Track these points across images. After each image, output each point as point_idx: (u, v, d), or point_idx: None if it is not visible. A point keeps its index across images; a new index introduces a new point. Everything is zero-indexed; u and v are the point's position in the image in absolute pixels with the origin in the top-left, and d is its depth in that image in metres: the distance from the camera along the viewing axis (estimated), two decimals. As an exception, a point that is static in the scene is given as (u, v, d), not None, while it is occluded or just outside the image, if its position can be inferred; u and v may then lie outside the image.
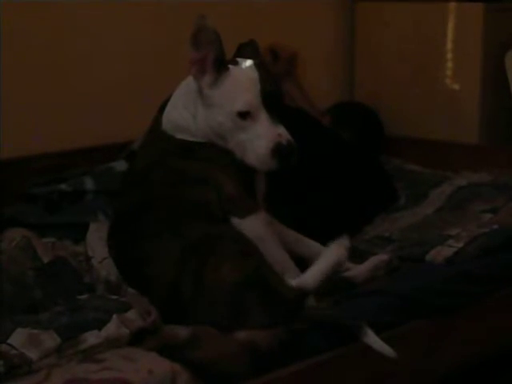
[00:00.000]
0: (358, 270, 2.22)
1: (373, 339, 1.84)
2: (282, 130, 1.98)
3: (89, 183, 2.62)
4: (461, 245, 2.33)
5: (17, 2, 2.69)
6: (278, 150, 1.95)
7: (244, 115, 1.96)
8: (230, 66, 2.00)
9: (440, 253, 2.31)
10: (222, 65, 1.99)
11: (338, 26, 3.58)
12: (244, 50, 2.09)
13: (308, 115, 2.87)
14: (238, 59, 2.04)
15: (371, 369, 1.94)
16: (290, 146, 1.96)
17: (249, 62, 2.03)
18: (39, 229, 2.29)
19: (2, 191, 2.56)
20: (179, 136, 2.05)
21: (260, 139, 1.96)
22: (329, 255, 1.97)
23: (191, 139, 2.04)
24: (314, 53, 3.41)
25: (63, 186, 2.59)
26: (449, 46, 3.30)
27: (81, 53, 2.89)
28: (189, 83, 2.06)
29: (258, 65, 2.03)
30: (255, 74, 2.00)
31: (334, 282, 2.16)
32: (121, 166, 2.68)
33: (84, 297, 1.91)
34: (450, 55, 3.30)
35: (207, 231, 1.92)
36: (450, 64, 3.31)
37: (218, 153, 2.03)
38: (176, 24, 3.05)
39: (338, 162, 2.74)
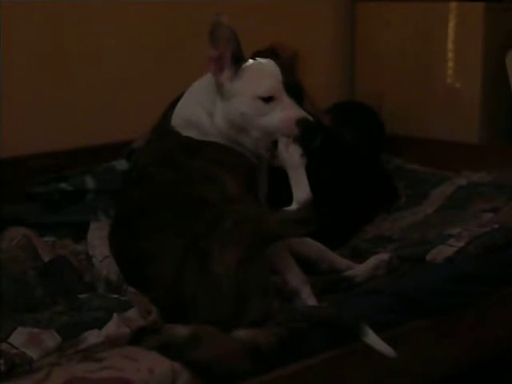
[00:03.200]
0: (358, 270, 2.22)
1: (373, 339, 1.84)
2: (305, 113, 2.00)
3: (89, 182, 2.62)
4: (461, 244, 2.33)
5: (17, 2, 2.69)
6: (302, 120, 1.97)
7: (267, 99, 1.98)
8: (250, 60, 2.03)
9: (441, 252, 2.31)
10: (240, 59, 2.01)
11: (338, 26, 3.58)
12: (259, 55, 2.11)
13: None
14: (257, 58, 2.07)
15: (371, 369, 1.94)
16: (316, 125, 1.99)
17: (267, 60, 2.06)
18: (40, 228, 2.29)
19: (2, 190, 2.56)
20: (186, 133, 2.05)
21: (285, 110, 1.98)
22: (290, 165, 1.99)
23: (199, 137, 2.04)
24: (315, 52, 3.41)
25: (64, 185, 2.60)
26: (449, 45, 3.29)
27: (81, 53, 2.89)
28: (204, 81, 2.07)
29: (278, 62, 2.06)
30: (275, 66, 2.03)
31: (335, 282, 2.17)
32: (121, 165, 2.68)
33: (84, 296, 1.91)
34: (450, 55, 3.30)
35: (203, 225, 1.92)
36: (450, 63, 3.31)
37: (221, 153, 2.03)
38: (177, 24, 3.06)
39: (339, 161, 2.74)
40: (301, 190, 1.98)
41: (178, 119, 2.07)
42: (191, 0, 2.99)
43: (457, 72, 3.30)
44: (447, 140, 3.28)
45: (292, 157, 1.99)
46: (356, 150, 2.90)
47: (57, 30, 2.83)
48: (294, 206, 1.98)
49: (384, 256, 2.27)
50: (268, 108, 1.98)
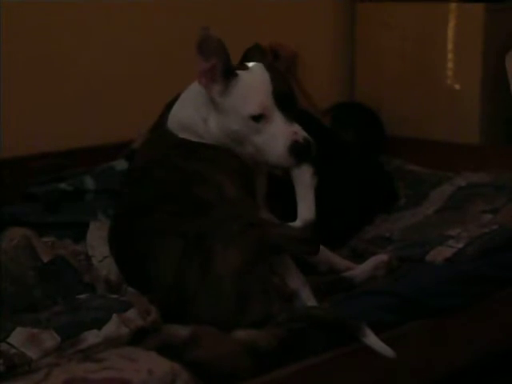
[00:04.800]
0: (358, 270, 2.22)
1: (372, 339, 1.84)
2: (297, 127, 1.98)
3: (89, 182, 2.62)
4: (461, 245, 2.33)
5: (17, 2, 2.69)
6: (295, 148, 1.96)
7: (258, 118, 1.97)
8: (239, 72, 2.00)
9: (440, 253, 2.31)
10: (230, 72, 1.99)
11: (338, 26, 3.58)
12: (251, 54, 2.10)
13: (308, 115, 2.87)
14: (247, 64, 2.04)
15: (371, 369, 1.93)
16: (307, 143, 1.97)
17: (258, 65, 2.03)
18: (39, 228, 2.29)
19: (2, 191, 2.56)
20: (182, 135, 2.05)
21: (276, 139, 1.97)
22: (299, 183, 2.00)
23: (195, 139, 2.04)
24: (314, 53, 3.41)
25: (63, 186, 2.59)
26: (449, 46, 3.30)
27: (81, 53, 2.89)
28: (199, 86, 2.05)
29: (268, 66, 2.03)
30: (265, 76, 2.00)
31: (334, 282, 2.17)
32: (121, 165, 2.68)
33: (84, 296, 1.90)
34: (450, 55, 3.30)
35: (207, 225, 1.92)
36: (450, 64, 3.31)
37: (218, 154, 2.03)
38: (176, 24, 3.06)
39: (339, 162, 2.74)
40: (307, 210, 1.99)
41: (173, 122, 2.07)
42: (191, 1, 2.99)
43: (456, 73, 3.30)
44: (447, 141, 3.28)
45: (303, 175, 1.99)
46: (356, 151, 2.90)
47: (57, 30, 2.83)
48: (297, 224, 1.98)
49: (383, 256, 2.27)
50: (259, 126, 1.97)
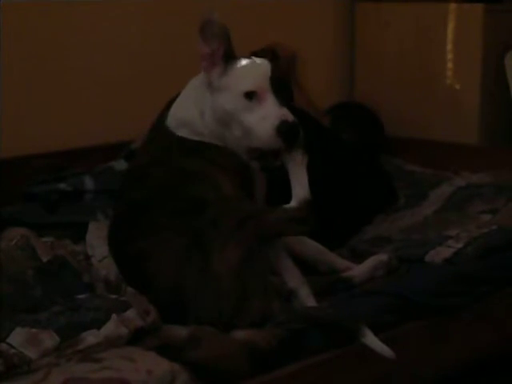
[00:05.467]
0: (357, 270, 2.22)
1: (371, 340, 1.84)
2: (286, 111, 1.98)
3: (88, 183, 2.62)
4: (460, 245, 2.33)
5: (17, 2, 2.69)
6: (283, 128, 1.95)
7: (250, 95, 1.97)
8: (240, 57, 2.03)
9: (439, 253, 2.31)
10: (231, 56, 2.01)
11: (338, 26, 3.58)
12: (257, 55, 2.11)
13: (308, 115, 2.87)
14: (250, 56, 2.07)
15: (370, 369, 1.93)
16: (295, 125, 1.97)
17: (262, 59, 2.06)
18: (38, 228, 2.29)
19: (2, 191, 2.56)
20: (180, 133, 2.05)
21: (265, 119, 1.97)
22: (291, 163, 2.00)
23: (192, 137, 2.04)
24: (314, 53, 3.41)
25: (63, 186, 2.59)
26: (449, 46, 3.29)
27: (81, 53, 2.89)
28: (197, 80, 2.07)
29: (270, 61, 2.06)
30: (266, 63, 2.03)
31: (334, 282, 2.17)
32: (120, 165, 2.68)
33: (83, 296, 1.90)
34: (449, 56, 3.30)
35: (204, 223, 1.92)
36: (449, 64, 3.31)
37: (216, 153, 2.03)
38: (176, 24, 3.05)
39: (338, 162, 2.74)
40: (301, 189, 1.99)
41: (172, 119, 2.08)
42: (192, 2, 2.98)
43: (456, 73, 3.30)
44: (446, 141, 3.28)
45: (294, 156, 1.99)
46: (355, 151, 2.90)
47: (56, 30, 2.83)
48: (292, 204, 1.98)
49: (383, 257, 2.27)
50: (250, 104, 1.98)
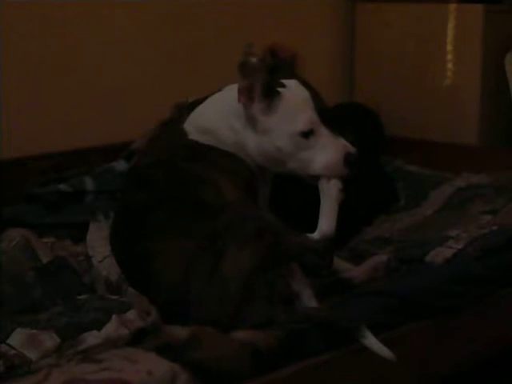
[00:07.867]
0: (357, 271, 2.22)
1: (371, 341, 1.84)
2: (344, 141, 2.03)
3: (89, 183, 2.62)
4: (460, 246, 2.33)
5: (17, 2, 2.69)
6: (349, 157, 2.00)
7: (307, 134, 2.00)
8: (280, 90, 2.02)
9: (439, 254, 2.31)
10: (271, 90, 2.01)
11: (338, 27, 3.58)
12: (279, 70, 2.11)
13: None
14: (284, 81, 2.06)
15: (370, 370, 1.93)
16: (357, 155, 2.02)
17: (293, 82, 2.06)
18: (39, 229, 2.29)
19: (2, 191, 2.56)
20: (195, 137, 2.07)
21: (328, 149, 2.00)
22: (326, 196, 2.02)
23: (211, 143, 2.05)
24: (314, 53, 3.40)
25: (63, 186, 2.60)
26: (449, 47, 3.30)
27: (81, 54, 2.89)
28: (230, 97, 2.06)
29: (303, 83, 2.07)
30: (306, 93, 2.04)
31: (334, 283, 2.17)
32: (121, 166, 2.68)
33: (83, 297, 1.91)
34: (449, 56, 3.30)
35: (221, 225, 1.91)
36: (449, 65, 3.31)
37: (223, 158, 2.04)
38: (178, 25, 3.06)
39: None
40: (327, 223, 2.00)
41: (191, 124, 2.08)
42: (192, 2, 2.99)
43: (456, 73, 3.30)
44: (446, 141, 3.28)
45: (331, 189, 2.02)
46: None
47: (57, 31, 2.83)
48: (315, 235, 1.99)
49: (383, 257, 2.27)
50: (308, 143, 2.00)
